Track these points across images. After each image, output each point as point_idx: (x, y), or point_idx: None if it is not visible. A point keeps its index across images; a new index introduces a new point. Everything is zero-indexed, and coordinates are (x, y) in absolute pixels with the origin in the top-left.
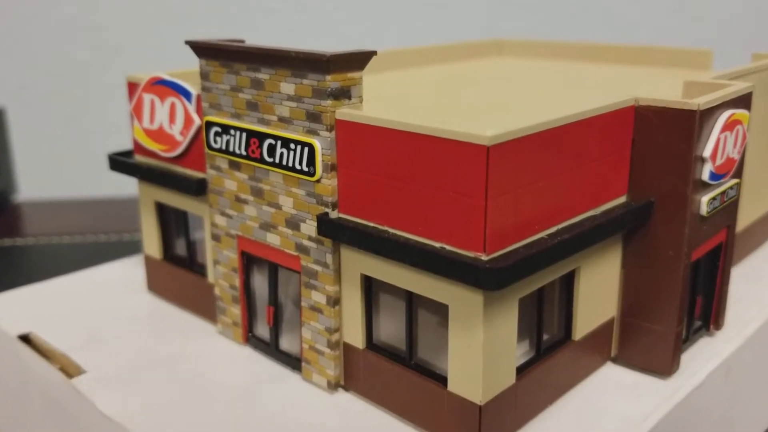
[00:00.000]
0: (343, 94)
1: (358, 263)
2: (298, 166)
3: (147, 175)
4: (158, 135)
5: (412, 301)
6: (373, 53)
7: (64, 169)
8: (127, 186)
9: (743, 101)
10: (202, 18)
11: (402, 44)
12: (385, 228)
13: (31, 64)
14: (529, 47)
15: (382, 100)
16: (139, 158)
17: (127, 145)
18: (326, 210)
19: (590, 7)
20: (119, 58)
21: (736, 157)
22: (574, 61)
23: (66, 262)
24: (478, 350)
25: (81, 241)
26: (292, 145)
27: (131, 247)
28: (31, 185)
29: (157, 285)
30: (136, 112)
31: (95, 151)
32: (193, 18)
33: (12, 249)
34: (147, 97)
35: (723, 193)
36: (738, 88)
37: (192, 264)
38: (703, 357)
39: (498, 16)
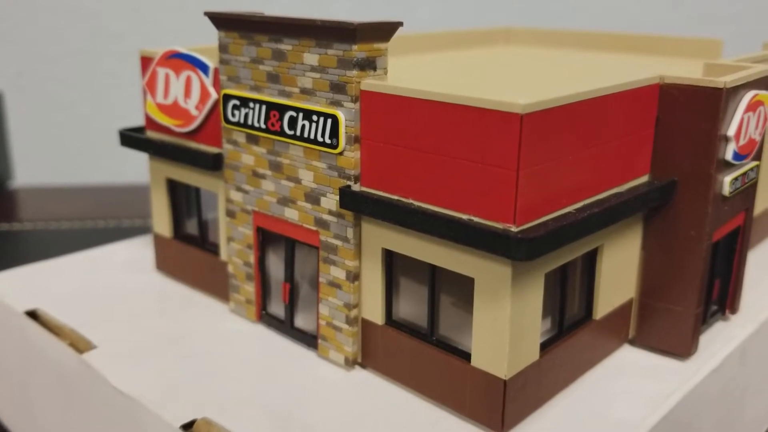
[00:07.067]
0: (368, 64)
1: (380, 237)
2: (320, 139)
3: (159, 150)
4: (172, 110)
5: (434, 276)
6: (399, 24)
7: (61, 155)
8: (124, 173)
9: (766, 82)
10: (200, 4)
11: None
12: (410, 201)
13: (29, 49)
14: (537, 35)
15: (400, 79)
16: (151, 134)
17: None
18: (348, 183)
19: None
20: (117, 44)
21: (758, 138)
22: (583, 49)
23: (62, 247)
24: (505, 324)
25: (78, 227)
26: (315, 117)
27: (129, 233)
28: (27, 171)
29: (166, 264)
30: (150, 86)
31: (92, 138)
32: (191, 4)
33: (8, 234)
34: (161, 71)
35: (744, 174)
36: (762, 68)
37: (203, 242)
38: (720, 340)
39: (498, 6)
